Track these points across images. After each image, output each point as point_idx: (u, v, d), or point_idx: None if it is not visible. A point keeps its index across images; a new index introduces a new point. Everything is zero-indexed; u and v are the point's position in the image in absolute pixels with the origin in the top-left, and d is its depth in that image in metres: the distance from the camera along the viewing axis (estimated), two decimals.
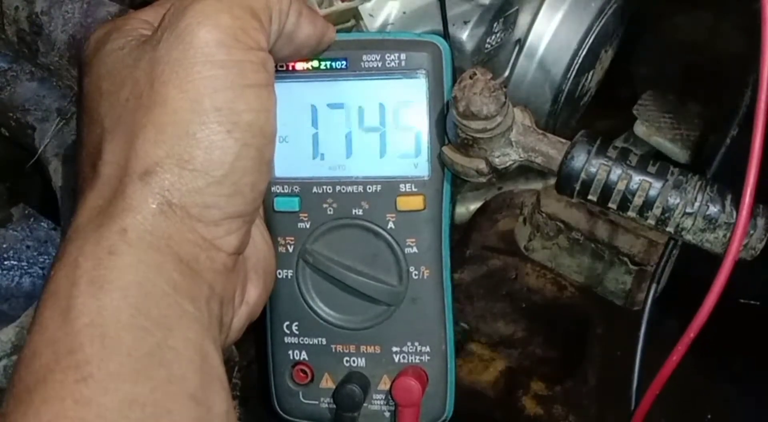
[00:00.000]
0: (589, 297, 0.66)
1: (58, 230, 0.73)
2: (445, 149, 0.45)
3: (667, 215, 0.42)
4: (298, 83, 0.46)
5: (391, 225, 0.47)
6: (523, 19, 0.58)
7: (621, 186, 0.42)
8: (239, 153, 0.37)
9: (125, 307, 0.34)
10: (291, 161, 0.47)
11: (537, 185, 0.72)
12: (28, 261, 0.76)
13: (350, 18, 0.49)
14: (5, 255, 0.76)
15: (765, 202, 0.41)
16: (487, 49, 0.55)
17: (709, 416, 0.61)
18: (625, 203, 0.42)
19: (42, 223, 0.78)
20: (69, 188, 0.61)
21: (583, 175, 0.42)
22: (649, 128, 0.52)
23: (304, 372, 0.49)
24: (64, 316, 0.34)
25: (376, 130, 0.46)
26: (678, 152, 0.51)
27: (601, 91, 0.67)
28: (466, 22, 0.53)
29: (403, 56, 0.45)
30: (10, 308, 0.74)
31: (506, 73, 0.59)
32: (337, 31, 0.45)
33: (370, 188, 0.46)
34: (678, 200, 0.42)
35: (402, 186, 0.46)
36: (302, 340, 0.49)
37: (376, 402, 0.49)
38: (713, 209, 0.41)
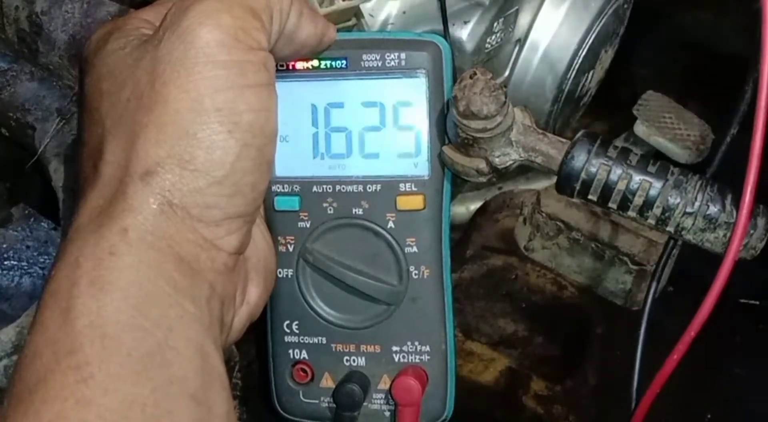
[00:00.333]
0: (589, 297, 0.66)
1: (58, 230, 0.73)
2: (445, 149, 0.45)
3: (667, 215, 0.42)
4: (299, 82, 0.46)
5: (391, 224, 0.47)
6: (523, 19, 0.58)
7: (621, 186, 0.42)
8: (240, 153, 0.37)
9: (125, 308, 0.34)
10: (291, 160, 0.47)
11: (537, 185, 0.72)
12: (28, 261, 0.76)
13: (351, 17, 0.49)
14: (5, 255, 0.76)
15: (765, 202, 0.41)
16: (487, 49, 0.55)
17: (709, 416, 0.61)
18: (625, 203, 0.42)
19: (42, 223, 0.78)
20: (69, 188, 0.61)
21: (583, 175, 0.42)
22: (649, 128, 0.52)
23: (305, 371, 0.49)
24: (64, 316, 0.34)
25: (376, 130, 0.46)
26: (678, 152, 0.51)
27: (601, 91, 0.67)
28: (466, 22, 0.53)
29: (403, 56, 0.45)
30: (10, 308, 0.74)
31: (506, 73, 0.59)
32: (338, 30, 0.45)
33: (370, 187, 0.46)
34: (678, 200, 0.42)
35: (402, 185, 0.46)
36: (302, 339, 0.49)
37: (376, 402, 0.49)
38: (713, 209, 0.41)
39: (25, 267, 0.76)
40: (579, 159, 0.43)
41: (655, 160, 0.43)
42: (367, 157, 0.46)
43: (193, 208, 0.37)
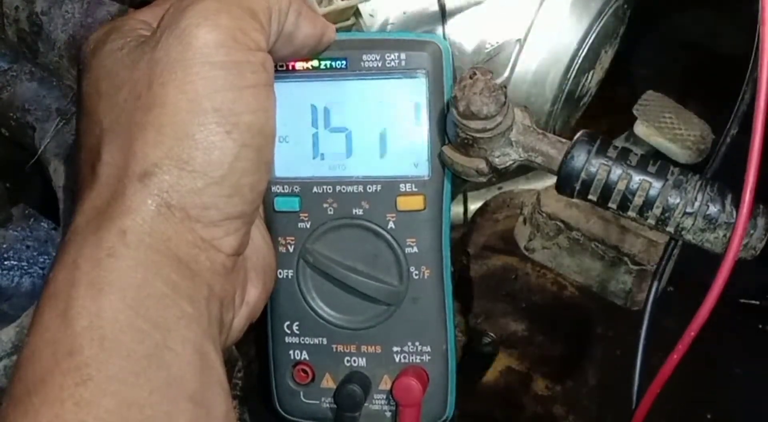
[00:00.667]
0: (589, 297, 0.66)
1: (58, 230, 0.73)
2: (445, 149, 0.45)
3: (667, 215, 0.42)
4: (298, 83, 0.46)
5: (391, 225, 0.46)
6: (523, 19, 0.57)
7: (621, 186, 0.42)
8: (238, 154, 0.37)
9: (124, 309, 0.34)
10: (291, 161, 0.47)
11: (537, 185, 0.72)
12: (28, 261, 0.76)
13: (350, 16, 0.49)
14: (5, 255, 0.76)
15: (765, 202, 0.41)
16: (487, 49, 0.55)
17: (709, 416, 0.61)
18: (625, 203, 0.42)
19: (42, 223, 0.78)
20: (69, 188, 0.61)
21: (583, 175, 0.42)
22: (649, 128, 0.52)
23: (305, 371, 0.49)
24: (63, 318, 0.34)
25: (376, 130, 0.46)
26: (678, 152, 0.51)
27: (601, 91, 0.67)
28: (466, 22, 0.53)
29: (403, 56, 0.45)
30: (10, 308, 0.74)
31: (506, 73, 0.59)
32: (337, 30, 0.45)
33: (370, 188, 0.46)
34: (678, 200, 0.42)
35: (402, 186, 0.46)
36: (303, 340, 0.49)
37: (377, 402, 0.49)
38: (713, 209, 0.41)
39: (25, 267, 0.76)
40: (579, 159, 0.42)
41: (655, 160, 0.43)
42: (367, 157, 0.46)
43: (192, 209, 0.37)
